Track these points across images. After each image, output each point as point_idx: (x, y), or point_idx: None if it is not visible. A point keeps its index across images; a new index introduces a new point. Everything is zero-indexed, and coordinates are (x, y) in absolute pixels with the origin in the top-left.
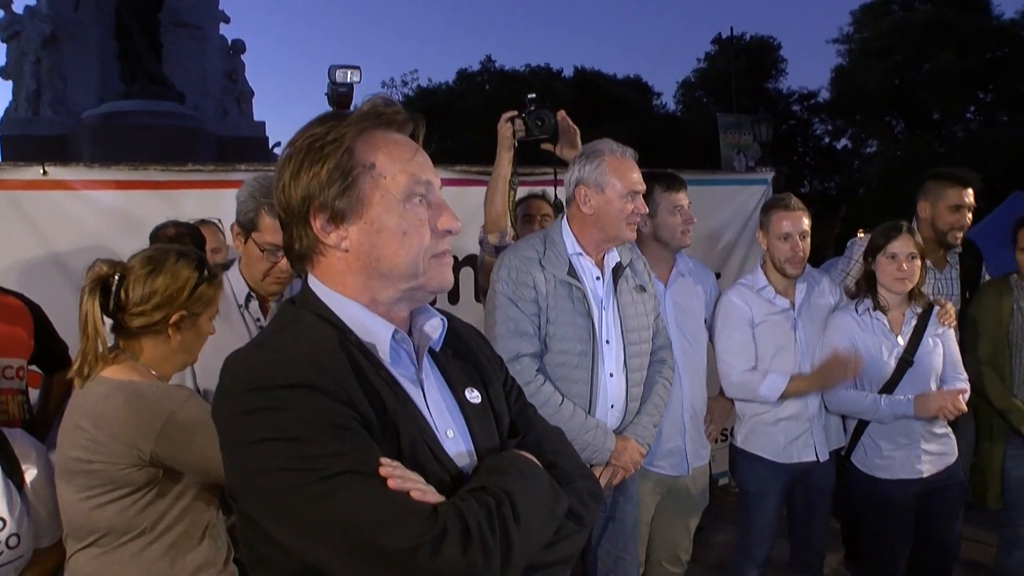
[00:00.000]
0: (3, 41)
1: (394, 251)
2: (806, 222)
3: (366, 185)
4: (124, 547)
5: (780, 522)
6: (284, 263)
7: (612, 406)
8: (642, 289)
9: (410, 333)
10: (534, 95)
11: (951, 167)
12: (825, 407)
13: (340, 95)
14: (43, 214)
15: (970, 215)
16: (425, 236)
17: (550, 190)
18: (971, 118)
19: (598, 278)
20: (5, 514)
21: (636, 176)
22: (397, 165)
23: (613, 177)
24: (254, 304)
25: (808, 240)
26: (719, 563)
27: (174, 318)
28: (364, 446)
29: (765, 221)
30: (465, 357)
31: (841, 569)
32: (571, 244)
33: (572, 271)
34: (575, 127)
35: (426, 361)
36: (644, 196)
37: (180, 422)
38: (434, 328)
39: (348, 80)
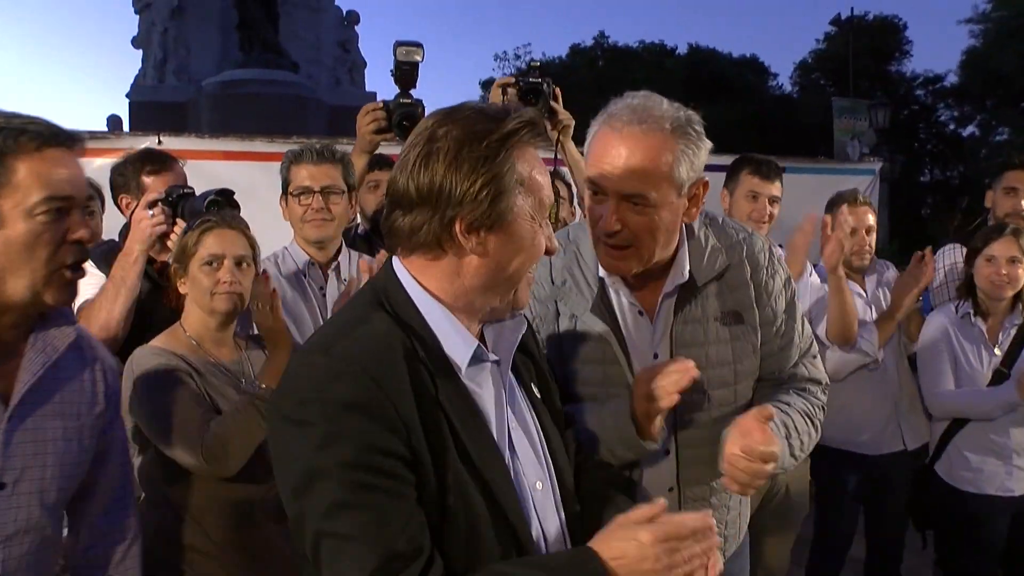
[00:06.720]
0: (136, 12)
1: (521, 261)
2: (871, 218)
3: (517, 199)
4: None
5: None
6: (316, 201)
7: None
8: (738, 319)
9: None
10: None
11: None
12: (927, 412)
13: (404, 73)
14: None
15: None
16: (540, 251)
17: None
18: None
19: (642, 313)
20: None
21: (608, 168)
22: (539, 186)
23: (589, 153)
24: (315, 271)
25: (873, 235)
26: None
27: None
28: (387, 502)
29: (832, 215)
30: (524, 350)
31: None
32: None
33: (605, 301)
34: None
35: (510, 378)
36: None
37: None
38: (518, 327)
39: (411, 60)
